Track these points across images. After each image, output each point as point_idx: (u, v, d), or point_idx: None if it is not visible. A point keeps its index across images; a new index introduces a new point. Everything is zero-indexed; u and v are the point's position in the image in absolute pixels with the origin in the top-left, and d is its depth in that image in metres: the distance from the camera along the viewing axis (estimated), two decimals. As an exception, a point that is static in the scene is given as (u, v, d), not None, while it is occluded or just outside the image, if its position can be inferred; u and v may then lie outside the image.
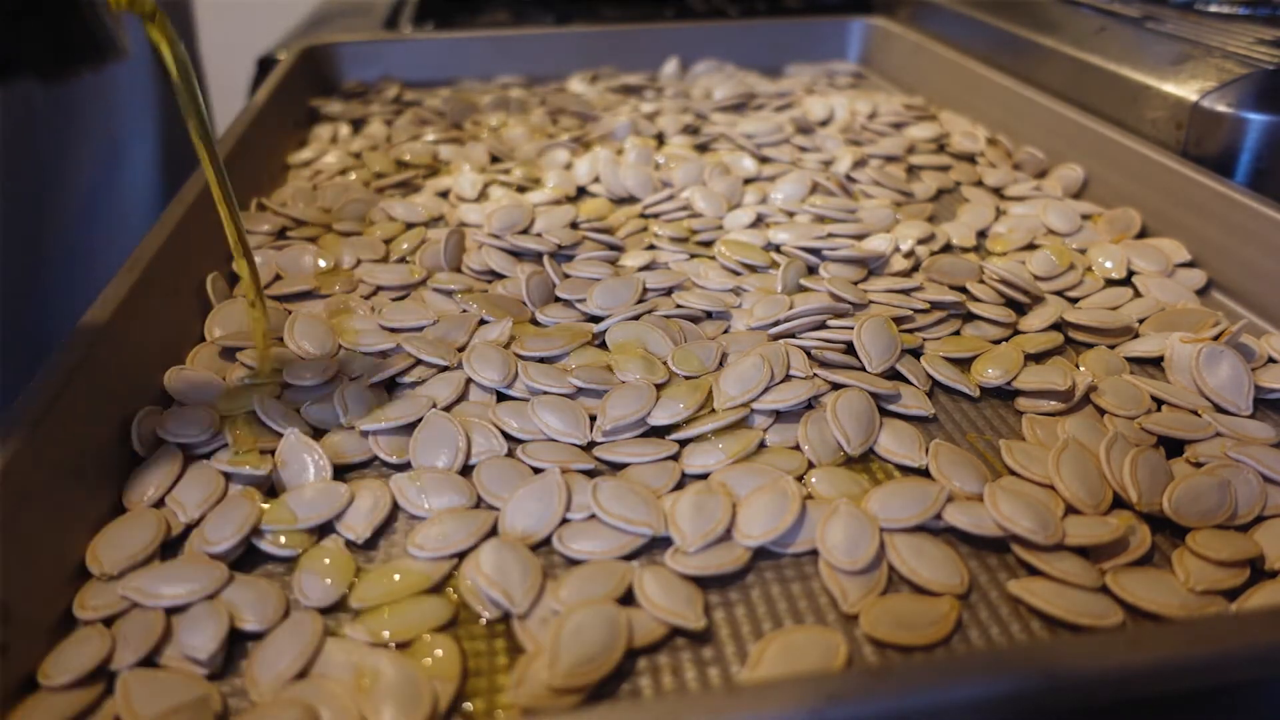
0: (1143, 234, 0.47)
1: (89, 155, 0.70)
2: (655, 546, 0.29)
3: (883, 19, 0.80)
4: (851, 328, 0.37)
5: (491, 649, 0.26)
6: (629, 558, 0.28)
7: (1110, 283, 0.43)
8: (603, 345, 0.38)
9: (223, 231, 0.35)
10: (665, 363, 0.36)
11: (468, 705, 0.24)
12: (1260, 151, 0.46)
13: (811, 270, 0.43)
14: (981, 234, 0.49)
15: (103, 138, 0.72)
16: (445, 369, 0.36)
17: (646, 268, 0.44)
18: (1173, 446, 0.32)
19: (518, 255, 0.45)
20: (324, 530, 0.30)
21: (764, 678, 0.24)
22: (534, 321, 0.40)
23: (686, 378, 0.35)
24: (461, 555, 0.28)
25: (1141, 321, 0.40)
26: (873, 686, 0.20)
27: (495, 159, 0.58)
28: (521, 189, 0.53)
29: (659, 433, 0.33)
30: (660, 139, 0.61)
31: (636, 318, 0.39)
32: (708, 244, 0.47)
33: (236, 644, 0.26)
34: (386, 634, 0.26)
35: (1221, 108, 0.47)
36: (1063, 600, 0.26)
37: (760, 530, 0.28)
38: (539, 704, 0.23)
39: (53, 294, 0.67)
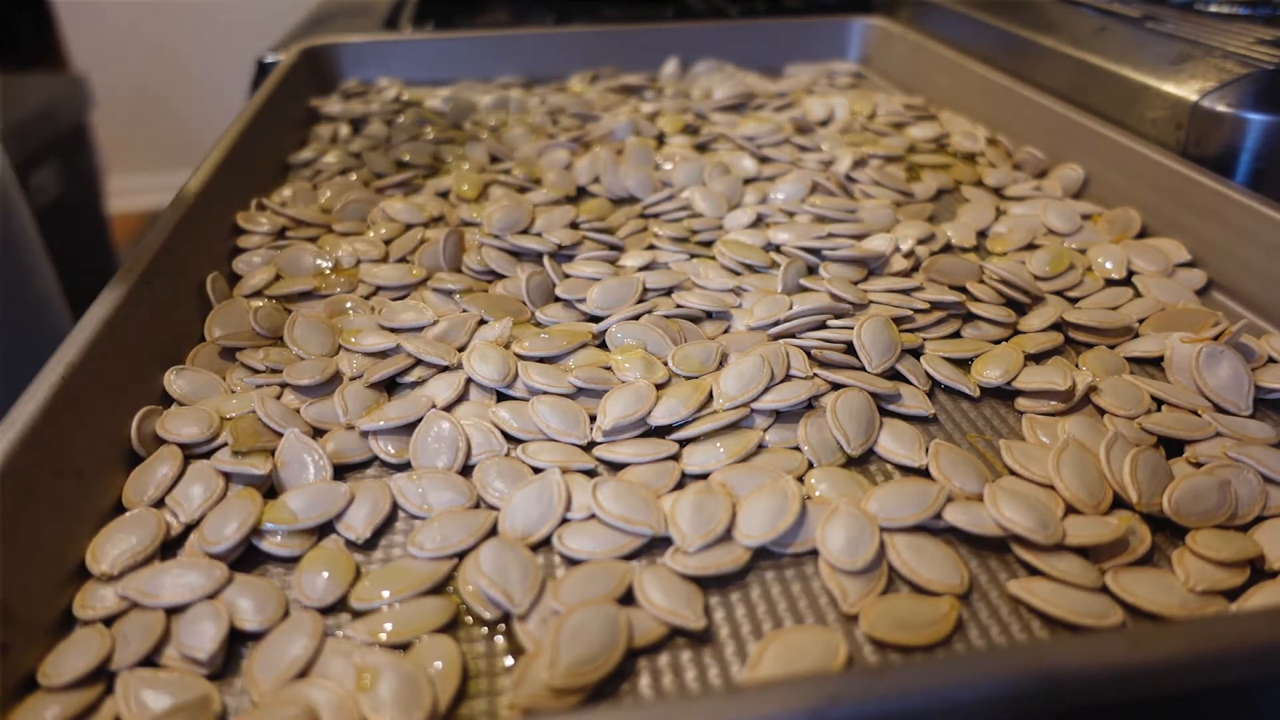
0: (1143, 234, 0.47)
1: None
2: (655, 546, 0.29)
3: (883, 19, 0.80)
4: (851, 328, 0.37)
5: (491, 649, 0.26)
6: (629, 558, 0.28)
7: (1110, 283, 0.43)
8: (603, 345, 0.38)
9: (223, 231, 0.35)
10: (665, 363, 0.36)
11: (468, 705, 0.24)
12: (1260, 151, 0.46)
13: (811, 270, 0.43)
14: (981, 234, 0.49)
15: None
16: (445, 369, 0.36)
17: (646, 268, 0.44)
18: (1173, 446, 0.32)
19: (518, 255, 0.45)
20: (324, 530, 0.30)
21: (764, 678, 0.24)
22: (534, 321, 0.40)
23: (686, 378, 0.35)
24: (461, 555, 0.28)
25: (1141, 321, 0.40)
26: (873, 686, 0.20)
27: (495, 159, 0.58)
28: (522, 189, 0.53)
29: (659, 433, 0.33)
30: (660, 139, 0.61)
31: (636, 318, 0.39)
32: (708, 244, 0.47)
33: (236, 644, 0.26)
34: (386, 634, 0.26)
35: (1221, 108, 0.47)
36: (1063, 600, 0.26)
37: (760, 530, 0.28)
38: (539, 704, 0.23)
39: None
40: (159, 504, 0.30)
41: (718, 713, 0.19)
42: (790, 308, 0.39)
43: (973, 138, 0.60)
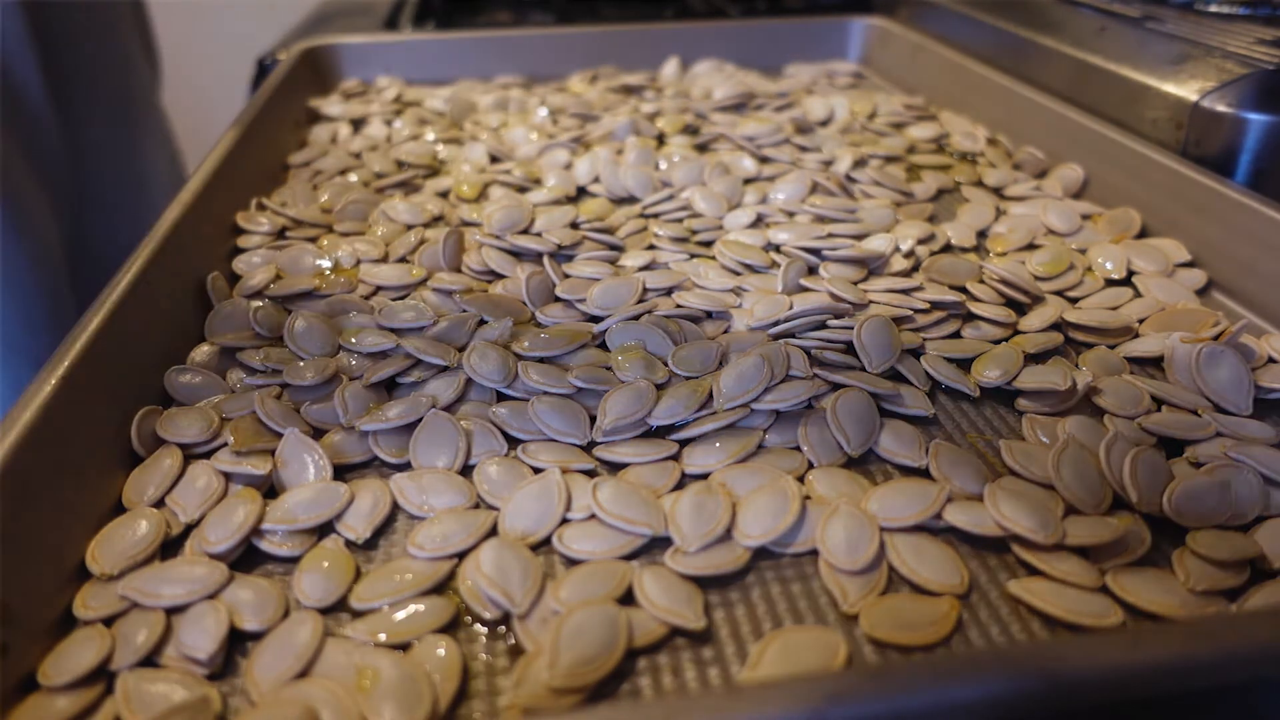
0: (1143, 234, 0.47)
1: None
2: (655, 546, 0.29)
3: (883, 19, 0.80)
4: (851, 328, 0.37)
5: (491, 649, 0.26)
6: (629, 558, 0.28)
7: (1110, 283, 0.43)
8: (603, 345, 0.38)
9: (223, 231, 0.35)
10: (665, 363, 0.36)
11: (468, 705, 0.24)
12: (1260, 151, 0.46)
13: (811, 270, 0.43)
14: (981, 234, 0.49)
15: None
16: (445, 369, 0.36)
17: (646, 268, 0.44)
18: (1173, 446, 0.32)
19: (518, 255, 0.45)
20: (324, 530, 0.30)
21: (764, 678, 0.24)
22: (534, 321, 0.40)
23: (686, 378, 0.35)
24: (461, 555, 0.28)
25: (1141, 321, 0.40)
26: (873, 686, 0.20)
27: (495, 159, 0.58)
28: (521, 189, 0.53)
29: (659, 433, 0.33)
30: (660, 139, 0.61)
31: (636, 318, 0.39)
32: (708, 244, 0.47)
33: (236, 644, 0.26)
34: (386, 634, 0.26)
35: (1221, 108, 0.47)
36: (1063, 600, 0.26)
37: (760, 530, 0.28)
38: (539, 704, 0.23)
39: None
40: (159, 504, 0.30)
41: (718, 713, 0.19)
42: (790, 308, 0.39)
43: (973, 138, 0.60)
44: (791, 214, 0.49)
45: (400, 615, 0.26)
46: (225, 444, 0.32)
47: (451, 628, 0.26)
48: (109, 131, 0.72)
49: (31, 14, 0.62)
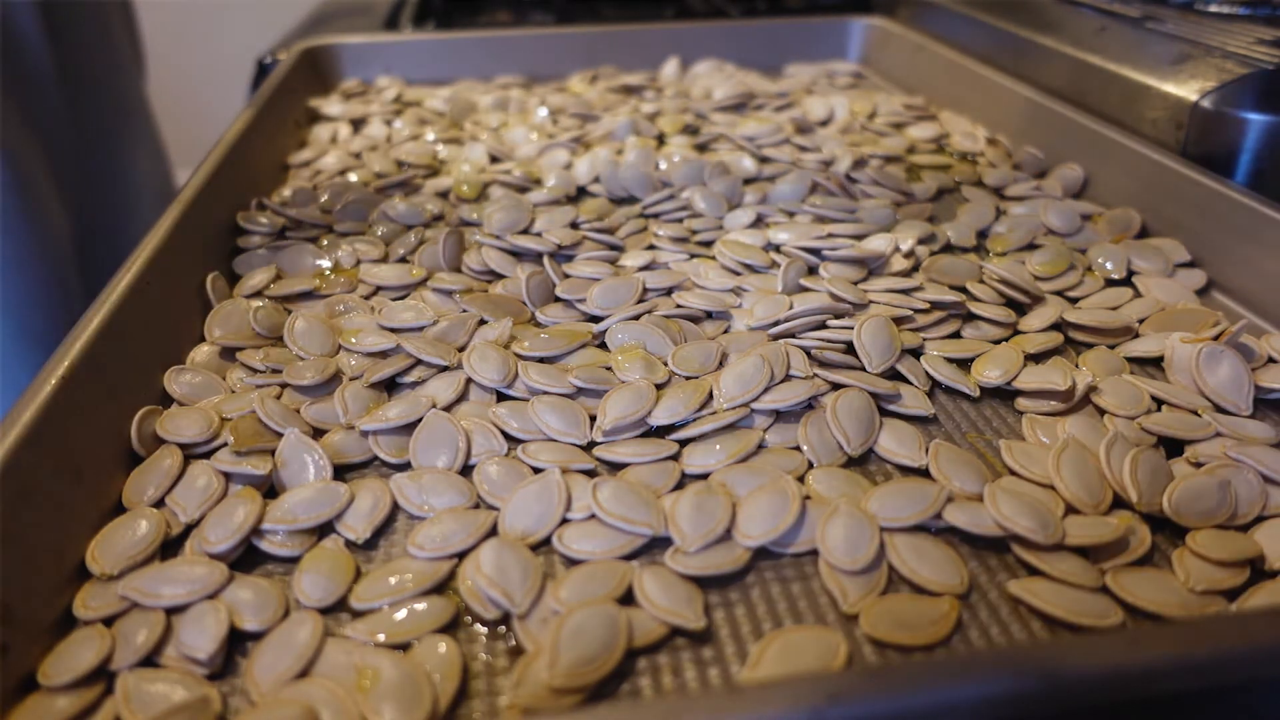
0: (1143, 234, 0.47)
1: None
2: (655, 546, 0.29)
3: (883, 19, 0.80)
4: (851, 328, 0.37)
5: (491, 649, 0.26)
6: (629, 558, 0.28)
7: (1110, 283, 0.43)
8: (603, 345, 0.38)
9: (223, 231, 0.35)
10: (665, 363, 0.36)
11: (468, 705, 0.24)
12: (1260, 151, 0.46)
13: (811, 270, 0.43)
14: (981, 234, 0.49)
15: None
16: (445, 369, 0.36)
17: (646, 268, 0.44)
18: (1173, 446, 0.32)
19: (518, 255, 0.45)
20: (324, 530, 0.30)
21: (764, 678, 0.24)
22: (534, 321, 0.40)
23: (686, 378, 0.35)
24: (461, 555, 0.28)
25: (1141, 321, 0.40)
26: (873, 686, 0.20)
27: (495, 159, 0.58)
28: (522, 189, 0.53)
29: (659, 433, 0.33)
30: (660, 139, 0.61)
31: (636, 318, 0.39)
32: (708, 244, 0.47)
33: (236, 644, 0.26)
34: (386, 634, 0.25)
35: (1221, 108, 0.47)
36: (1063, 600, 0.26)
37: (760, 530, 0.28)
38: (539, 704, 0.23)
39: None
40: (159, 504, 0.30)
41: (718, 713, 0.19)
42: (790, 308, 0.39)
43: (973, 138, 0.60)
44: (791, 214, 0.49)
45: (400, 615, 0.26)
46: (225, 444, 0.32)
47: (451, 628, 0.26)
48: (105, 124, 0.73)
49: (44, 10, 0.63)
